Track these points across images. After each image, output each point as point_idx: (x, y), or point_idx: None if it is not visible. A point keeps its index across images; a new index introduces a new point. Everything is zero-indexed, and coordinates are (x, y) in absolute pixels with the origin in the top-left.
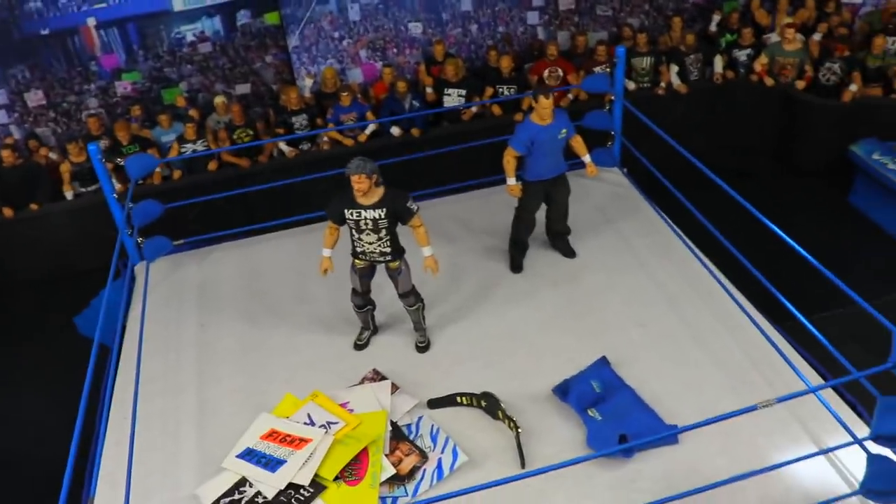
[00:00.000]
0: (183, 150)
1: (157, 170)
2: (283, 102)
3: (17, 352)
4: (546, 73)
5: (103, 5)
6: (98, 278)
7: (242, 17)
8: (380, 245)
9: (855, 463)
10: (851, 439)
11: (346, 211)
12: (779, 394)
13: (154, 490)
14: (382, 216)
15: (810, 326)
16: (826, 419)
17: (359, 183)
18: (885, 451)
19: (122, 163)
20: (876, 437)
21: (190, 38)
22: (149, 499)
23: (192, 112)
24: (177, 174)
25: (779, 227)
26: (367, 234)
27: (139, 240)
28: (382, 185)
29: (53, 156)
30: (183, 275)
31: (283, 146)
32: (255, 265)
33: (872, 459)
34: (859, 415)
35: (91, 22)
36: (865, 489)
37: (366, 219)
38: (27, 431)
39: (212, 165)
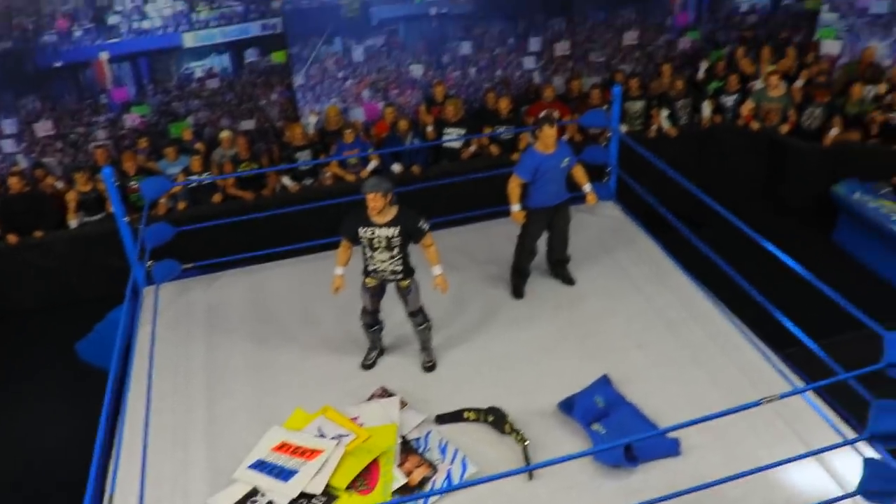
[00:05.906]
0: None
1: (162, 200)
2: (288, 138)
3: (21, 377)
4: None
5: (116, 40)
6: (99, 307)
7: (250, 55)
8: (392, 263)
9: (846, 468)
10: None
11: (360, 229)
12: (775, 409)
13: (165, 499)
14: (395, 234)
15: (813, 345)
16: (820, 426)
17: (374, 201)
18: (877, 455)
19: (135, 185)
20: (871, 437)
21: (199, 73)
22: None
23: (199, 145)
24: (182, 205)
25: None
26: (381, 251)
27: (149, 263)
28: (396, 204)
29: (59, 185)
30: (190, 299)
31: (286, 181)
32: (261, 290)
33: (868, 462)
34: (847, 422)
35: (104, 56)
36: (863, 490)
37: (379, 237)
38: (37, 453)
39: (216, 198)
